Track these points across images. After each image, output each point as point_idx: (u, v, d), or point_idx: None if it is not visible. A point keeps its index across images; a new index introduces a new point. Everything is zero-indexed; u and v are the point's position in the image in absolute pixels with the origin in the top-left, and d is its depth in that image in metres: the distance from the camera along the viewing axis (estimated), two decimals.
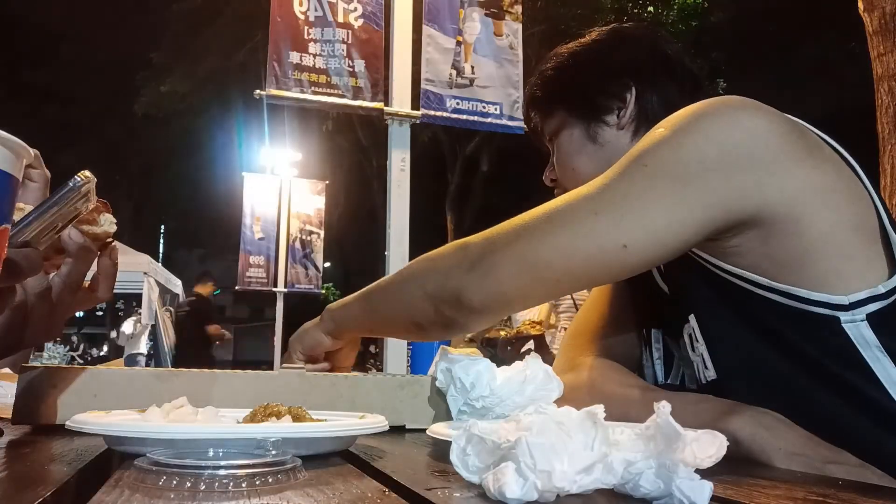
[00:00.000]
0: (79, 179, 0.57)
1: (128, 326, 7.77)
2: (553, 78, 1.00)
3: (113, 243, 0.70)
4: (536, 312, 3.41)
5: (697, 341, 0.83)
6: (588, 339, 1.02)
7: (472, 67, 3.82)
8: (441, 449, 0.66)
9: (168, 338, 6.87)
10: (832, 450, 0.67)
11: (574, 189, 0.82)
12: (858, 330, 0.69)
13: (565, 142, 0.98)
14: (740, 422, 0.67)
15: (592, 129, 0.95)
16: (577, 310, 1.58)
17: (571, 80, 0.98)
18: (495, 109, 3.86)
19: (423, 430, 0.66)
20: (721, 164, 0.71)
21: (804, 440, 0.67)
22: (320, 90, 3.54)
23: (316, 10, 3.61)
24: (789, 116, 0.78)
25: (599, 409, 0.44)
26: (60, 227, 0.61)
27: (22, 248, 0.54)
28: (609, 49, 0.98)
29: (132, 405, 0.71)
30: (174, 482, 0.41)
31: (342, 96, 3.58)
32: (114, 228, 0.66)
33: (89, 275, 0.70)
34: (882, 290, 0.69)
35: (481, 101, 3.82)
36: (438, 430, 0.63)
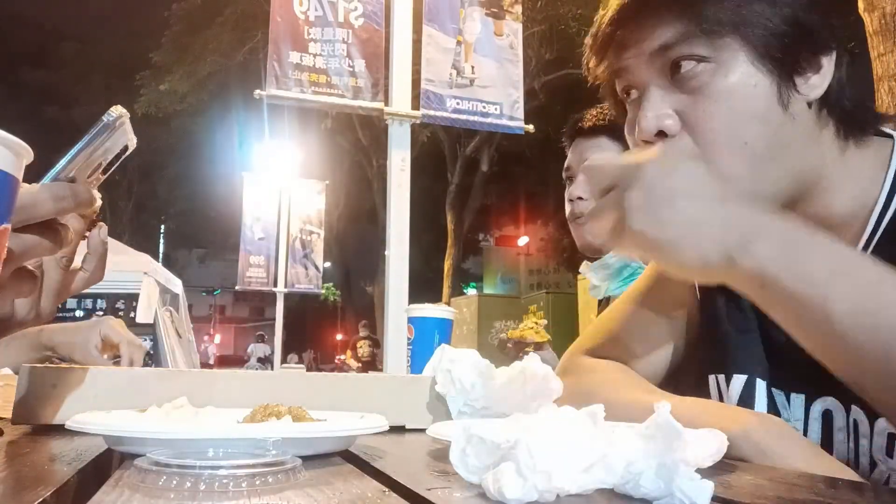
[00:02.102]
0: (112, 114, 0.59)
1: None
2: None
3: (100, 222, 0.70)
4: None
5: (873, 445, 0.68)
6: (598, 342, 0.94)
7: (473, 67, 3.82)
8: (441, 449, 0.66)
9: (168, 338, 6.86)
10: (838, 466, 0.63)
11: (730, 164, 0.65)
12: None
13: (735, 93, 0.66)
14: (743, 427, 0.63)
15: (785, 91, 0.66)
16: None
17: (775, 1, 0.66)
18: (495, 109, 3.86)
19: (423, 430, 0.66)
20: None
21: (813, 453, 0.63)
22: (320, 90, 3.55)
23: (316, 9, 3.61)
24: None
25: (599, 409, 0.44)
26: (105, 165, 0.62)
27: (70, 183, 0.57)
28: None
29: (132, 405, 0.71)
30: (174, 482, 0.41)
31: (342, 96, 3.58)
32: (99, 203, 0.66)
33: (79, 257, 0.69)
34: None
35: (481, 101, 3.82)
36: (438, 430, 0.63)
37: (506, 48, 3.95)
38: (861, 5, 4.30)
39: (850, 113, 0.70)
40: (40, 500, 0.39)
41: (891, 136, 0.72)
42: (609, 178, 0.61)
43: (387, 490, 0.44)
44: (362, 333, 12.19)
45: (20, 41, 20.07)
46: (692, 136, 0.68)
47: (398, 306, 3.31)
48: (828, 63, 0.68)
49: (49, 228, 0.58)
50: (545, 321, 1.54)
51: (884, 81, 4.16)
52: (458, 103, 3.76)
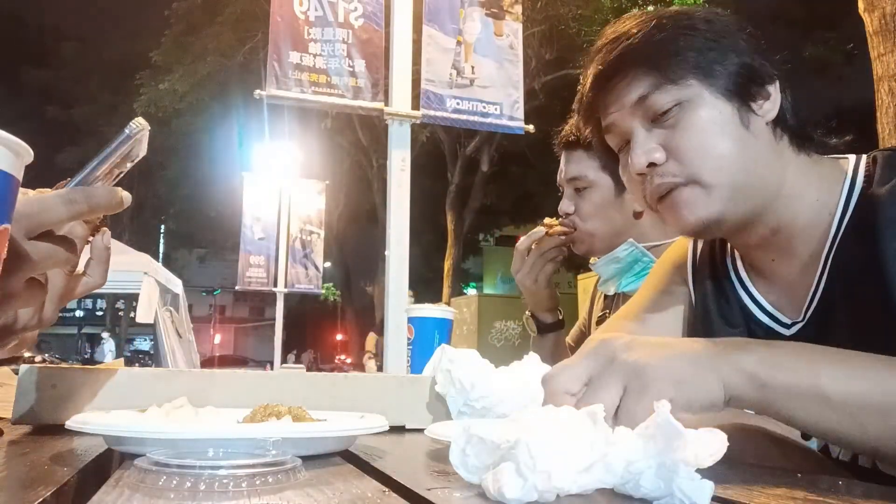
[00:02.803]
0: (134, 127, 0.61)
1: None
2: (695, 39, 0.81)
3: (104, 227, 0.70)
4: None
5: None
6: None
7: (473, 67, 3.82)
8: (441, 449, 0.66)
9: (168, 338, 6.86)
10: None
11: (713, 173, 0.77)
12: None
13: (705, 118, 0.80)
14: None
15: (745, 115, 0.80)
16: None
17: (724, 47, 0.81)
18: (495, 109, 3.85)
19: (423, 430, 0.66)
20: None
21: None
22: (320, 90, 3.54)
23: (316, 9, 3.61)
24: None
25: (599, 409, 0.44)
26: (118, 172, 0.64)
27: (97, 186, 0.59)
28: (751, 28, 0.84)
29: (132, 405, 0.71)
30: (174, 482, 0.41)
31: (342, 96, 3.58)
32: (127, 201, 0.67)
33: (83, 262, 0.69)
34: None
35: (481, 101, 3.82)
36: (438, 430, 0.63)
37: (506, 48, 3.95)
38: (861, 5, 4.30)
39: (799, 129, 0.84)
40: (40, 500, 0.39)
41: (840, 160, 0.85)
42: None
43: (387, 490, 0.44)
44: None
45: (20, 41, 20.07)
46: (676, 159, 0.81)
47: (398, 306, 3.31)
48: (774, 90, 0.82)
49: (66, 239, 0.59)
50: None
51: (884, 81, 4.16)
52: (458, 103, 3.76)
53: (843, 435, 0.63)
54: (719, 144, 0.79)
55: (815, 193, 0.82)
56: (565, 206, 1.49)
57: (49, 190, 0.59)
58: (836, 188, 0.81)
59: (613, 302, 1.57)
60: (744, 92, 0.80)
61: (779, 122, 0.82)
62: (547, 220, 1.51)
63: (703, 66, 0.80)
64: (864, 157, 0.83)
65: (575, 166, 1.47)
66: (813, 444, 0.88)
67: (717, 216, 0.80)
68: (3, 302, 0.57)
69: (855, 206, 0.79)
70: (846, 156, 0.84)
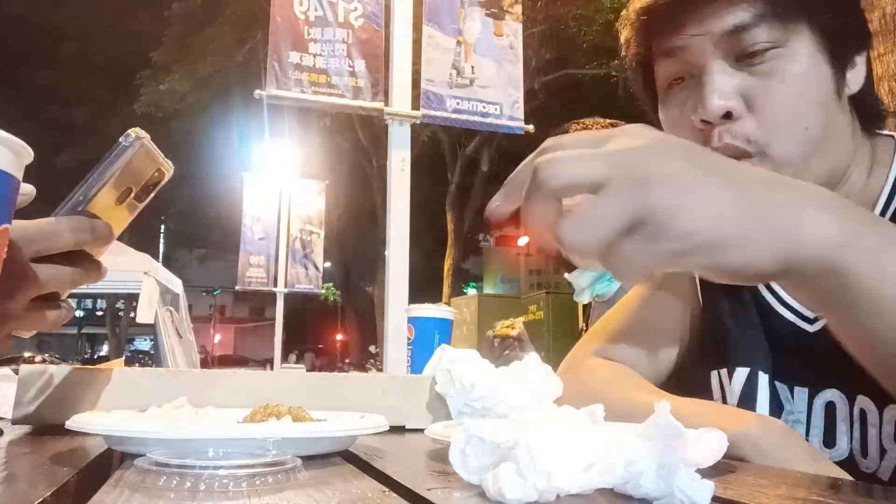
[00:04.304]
0: (129, 136, 0.58)
1: None
2: None
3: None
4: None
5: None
6: (602, 342, 0.93)
7: (473, 67, 3.82)
8: (441, 449, 0.66)
9: (168, 338, 6.86)
10: (835, 469, 0.64)
11: (788, 148, 0.65)
12: None
13: (805, 78, 0.66)
14: (743, 428, 0.63)
15: (840, 81, 0.68)
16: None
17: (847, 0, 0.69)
18: (495, 109, 3.85)
19: (423, 430, 0.66)
20: None
21: (811, 455, 0.63)
22: (320, 90, 3.54)
23: (316, 9, 3.61)
24: None
25: (599, 409, 0.44)
26: (137, 191, 0.62)
27: (90, 217, 0.58)
28: None
29: (132, 405, 0.71)
30: (174, 482, 0.41)
31: (342, 96, 3.58)
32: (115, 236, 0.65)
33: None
34: None
35: (481, 101, 3.82)
36: (438, 430, 0.63)
37: (506, 48, 3.95)
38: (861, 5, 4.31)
39: (870, 109, 0.73)
40: (40, 500, 0.39)
41: (892, 137, 0.74)
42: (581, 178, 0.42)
43: (387, 490, 0.44)
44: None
45: (20, 41, 20.07)
46: (757, 117, 0.67)
47: (398, 306, 3.31)
48: (861, 62, 0.70)
49: (72, 260, 0.58)
50: (520, 320, 1.58)
51: (884, 81, 4.16)
52: (458, 103, 3.76)
53: None
54: (808, 116, 0.67)
55: (863, 178, 0.72)
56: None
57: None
58: (882, 173, 0.72)
59: (590, 310, 1.56)
60: (844, 53, 0.68)
61: (856, 100, 0.71)
62: (499, 326, 1.55)
63: (819, 10, 0.67)
64: None
65: None
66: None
67: None
68: (5, 323, 0.56)
69: None
70: (891, 134, 0.74)
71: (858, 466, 0.73)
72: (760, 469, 0.60)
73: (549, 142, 0.45)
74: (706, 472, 0.40)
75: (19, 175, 0.48)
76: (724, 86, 0.67)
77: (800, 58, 0.67)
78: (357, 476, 0.50)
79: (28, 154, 0.49)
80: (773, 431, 0.64)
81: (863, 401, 0.71)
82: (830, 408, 0.73)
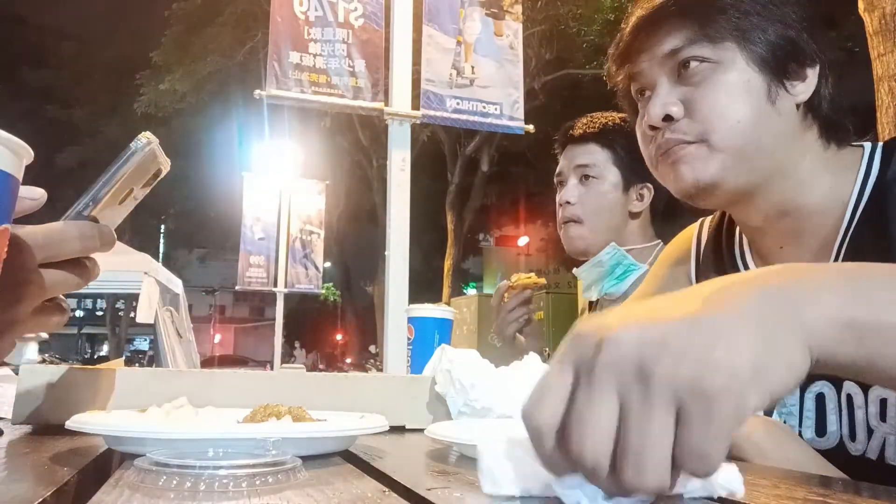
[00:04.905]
0: (141, 141, 0.59)
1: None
2: (743, 0, 0.79)
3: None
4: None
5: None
6: None
7: (473, 67, 3.82)
8: (441, 449, 0.66)
9: (168, 338, 6.86)
10: (833, 469, 0.66)
11: (724, 136, 0.75)
12: None
13: (732, 83, 0.78)
14: (748, 429, 0.65)
15: (774, 90, 0.78)
16: None
17: (771, 15, 0.79)
18: (495, 109, 3.85)
19: (423, 430, 0.66)
20: None
21: (810, 457, 0.66)
22: (320, 90, 3.54)
23: (316, 9, 3.61)
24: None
25: None
26: (136, 190, 0.62)
27: (96, 223, 0.58)
28: (811, 5, 0.82)
29: (132, 405, 0.71)
30: (174, 482, 0.41)
31: (342, 96, 3.58)
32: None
33: None
34: None
35: (481, 101, 3.82)
36: (438, 430, 0.63)
37: (506, 48, 3.95)
38: (861, 5, 4.30)
39: (831, 120, 0.81)
40: (40, 500, 0.39)
41: (862, 147, 0.82)
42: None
43: (387, 490, 0.44)
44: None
45: (20, 41, 20.07)
46: (692, 117, 0.79)
47: (398, 306, 3.31)
48: (812, 75, 0.79)
49: (77, 264, 0.59)
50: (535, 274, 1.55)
51: (884, 81, 4.16)
52: (458, 103, 3.76)
53: None
54: (738, 111, 0.77)
55: (829, 181, 0.80)
56: (568, 194, 1.48)
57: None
58: (850, 176, 0.79)
59: (597, 307, 1.56)
60: (779, 66, 0.78)
61: (811, 109, 0.80)
62: (514, 277, 1.52)
63: (744, 29, 0.78)
64: (881, 144, 0.80)
65: (586, 155, 1.47)
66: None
67: (714, 179, 0.78)
68: (13, 328, 0.56)
69: (870, 195, 0.77)
70: (861, 143, 0.82)
71: (848, 451, 0.77)
72: (760, 469, 0.60)
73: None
74: None
75: (19, 175, 0.48)
76: (663, 96, 0.81)
77: (729, 69, 0.78)
78: (357, 476, 0.50)
79: (28, 154, 0.49)
80: (775, 432, 0.66)
81: (849, 387, 0.76)
82: (820, 398, 0.79)
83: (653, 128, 0.82)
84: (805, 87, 0.79)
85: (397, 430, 0.81)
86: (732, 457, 0.63)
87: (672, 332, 0.36)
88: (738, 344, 0.36)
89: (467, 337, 9.74)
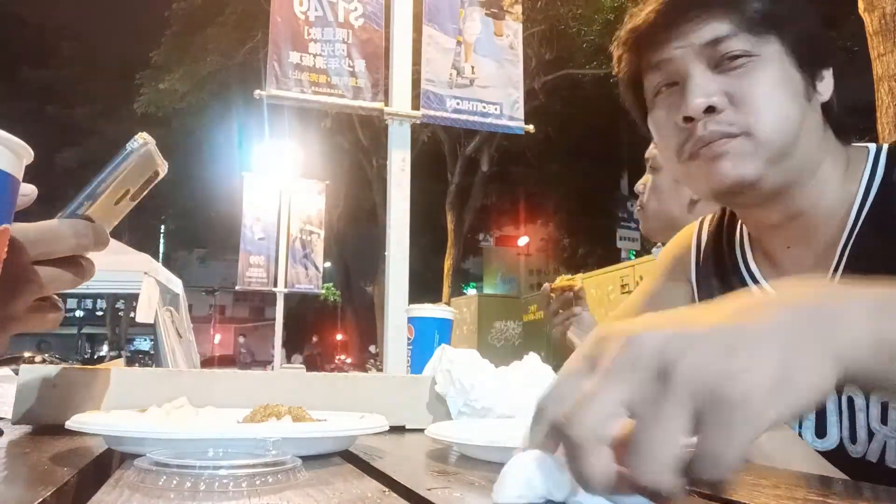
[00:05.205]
0: (137, 141, 0.58)
1: None
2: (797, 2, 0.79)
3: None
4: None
5: None
6: None
7: (473, 67, 3.82)
8: (441, 449, 0.66)
9: (168, 338, 6.86)
10: (834, 471, 0.66)
11: (771, 130, 0.74)
12: None
13: (777, 78, 0.76)
14: None
15: (809, 88, 0.78)
16: None
17: (808, 14, 0.80)
18: (495, 109, 3.85)
19: (423, 430, 0.66)
20: None
21: (813, 459, 0.66)
22: (320, 90, 3.54)
23: (316, 9, 3.61)
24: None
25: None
26: (133, 191, 0.62)
27: (91, 223, 0.58)
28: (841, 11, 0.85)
29: (132, 405, 0.71)
30: (174, 482, 0.41)
31: (342, 96, 3.58)
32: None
33: None
34: None
35: (481, 101, 3.82)
36: (438, 430, 0.63)
37: (506, 48, 3.95)
38: (861, 5, 4.30)
39: (841, 121, 0.82)
40: (40, 500, 0.39)
41: (866, 147, 0.83)
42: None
43: (387, 490, 0.44)
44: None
45: (21, 41, 20.07)
46: (738, 107, 0.75)
47: (398, 306, 3.31)
48: (828, 75, 0.80)
49: (72, 262, 0.59)
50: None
51: (884, 81, 4.16)
52: (458, 103, 3.76)
53: None
54: (785, 104, 0.75)
55: (839, 182, 0.80)
56: (638, 184, 1.55)
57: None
58: (855, 178, 0.79)
59: None
60: (812, 64, 0.78)
61: (826, 109, 0.81)
62: (559, 279, 1.52)
63: (787, 25, 0.77)
64: (886, 146, 0.81)
65: (652, 146, 1.49)
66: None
67: (757, 175, 0.75)
68: (7, 325, 0.56)
69: (875, 197, 0.77)
70: (866, 145, 0.83)
71: (848, 453, 0.77)
72: (760, 469, 0.60)
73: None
74: None
75: (19, 175, 0.48)
76: (705, 85, 0.76)
77: (770, 63, 0.76)
78: (357, 476, 0.50)
79: (28, 154, 0.49)
80: (777, 433, 0.66)
81: (849, 389, 0.76)
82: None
83: (688, 119, 0.77)
84: (825, 87, 0.79)
85: (397, 430, 0.81)
86: None
87: (697, 337, 0.36)
88: (762, 355, 0.36)
89: (467, 337, 9.74)
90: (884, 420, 0.73)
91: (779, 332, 0.37)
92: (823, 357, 0.37)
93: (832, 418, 0.78)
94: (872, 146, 0.81)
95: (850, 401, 0.76)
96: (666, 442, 0.34)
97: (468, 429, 0.65)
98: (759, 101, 0.75)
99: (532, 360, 0.86)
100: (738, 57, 0.75)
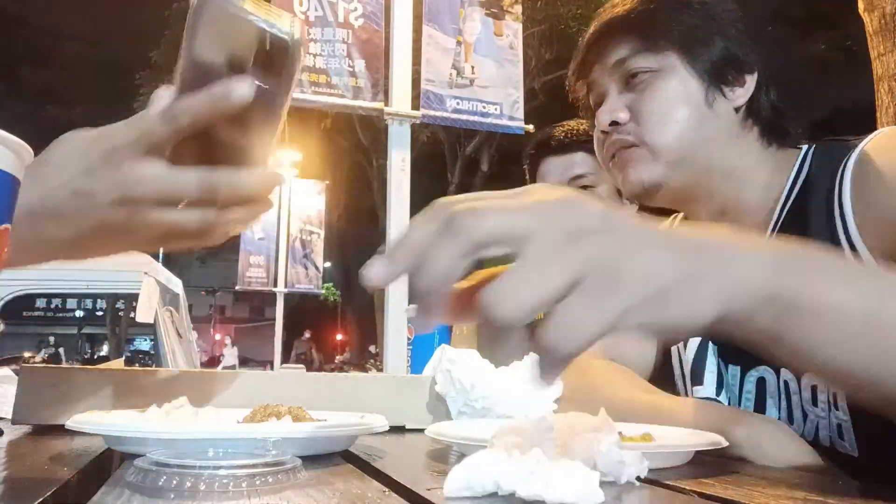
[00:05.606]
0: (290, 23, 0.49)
1: None
2: (684, 15, 0.85)
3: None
4: None
5: (832, 405, 0.77)
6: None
7: (473, 67, 3.82)
8: (441, 449, 0.66)
9: (168, 338, 6.86)
10: (825, 464, 0.67)
11: (662, 138, 0.82)
12: None
13: (672, 89, 0.84)
14: (744, 429, 0.66)
15: (711, 94, 0.84)
16: None
17: (711, 28, 0.85)
18: (495, 109, 3.86)
19: (423, 430, 0.66)
20: None
21: (807, 452, 0.67)
22: (320, 90, 3.54)
23: (316, 9, 3.61)
24: None
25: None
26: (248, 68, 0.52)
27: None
28: (742, 13, 0.88)
29: (132, 405, 0.71)
30: (174, 482, 0.41)
31: (342, 96, 3.58)
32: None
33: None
34: None
35: (481, 101, 3.82)
36: (438, 430, 0.63)
37: (506, 48, 3.95)
38: (861, 5, 4.30)
39: (771, 123, 0.86)
40: (40, 500, 0.39)
41: (800, 149, 0.87)
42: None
43: (387, 490, 0.44)
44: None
45: (21, 41, 20.08)
46: (636, 121, 0.85)
47: (398, 306, 3.31)
48: (751, 81, 0.85)
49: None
50: None
51: (884, 81, 4.16)
52: (458, 103, 3.76)
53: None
54: (677, 114, 0.84)
55: (764, 180, 0.85)
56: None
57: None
58: (784, 175, 0.85)
59: None
60: (718, 74, 0.84)
61: (751, 113, 0.86)
62: None
63: (685, 41, 0.85)
64: (816, 145, 0.86)
65: (580, 166, 1.49)
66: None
67: (658, 180, 0.83)
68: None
69: (797, 193, 0.83)
70: (801, 146, 0.87)
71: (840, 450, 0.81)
72: (760, 469, 0.60)
73: (446, 199, 0.44)
74: (706, 473, 0.40)
75: (19, 175, 0.48)
76: (611, 102, 0.87)
77: (669, 76, 0.85)
78: (357, 476, 0.50)
79: (28, 154, 0.49)
80: (775, 432, 0.67)
81: (785, 373, 0.82)
82: (761, 383, 0.85)
83: (604, 133, 0.88)
84: (744, 92, 0.85)
85: (397, 430, 0.81)
86: (732, 457, 0.63)
87: (620, 225, 0.39)
88: (662, 263, 0.38)
89: (467, 337, 9.75)
90: (814, 402, 0.79)
91: (685, 255, 0.40)
92: (709, 291, 0.40)
93: (771, 401, 0.84)
94: (806, 146, 0.87)
95: (786, 385, 0.82)
96: (538, 285, 0.35)
97: (468, 429, 0.65)
98: (654, 112, 0.84)
99: (532, 359, 0.86)
100: (638, 73, 0.85)
